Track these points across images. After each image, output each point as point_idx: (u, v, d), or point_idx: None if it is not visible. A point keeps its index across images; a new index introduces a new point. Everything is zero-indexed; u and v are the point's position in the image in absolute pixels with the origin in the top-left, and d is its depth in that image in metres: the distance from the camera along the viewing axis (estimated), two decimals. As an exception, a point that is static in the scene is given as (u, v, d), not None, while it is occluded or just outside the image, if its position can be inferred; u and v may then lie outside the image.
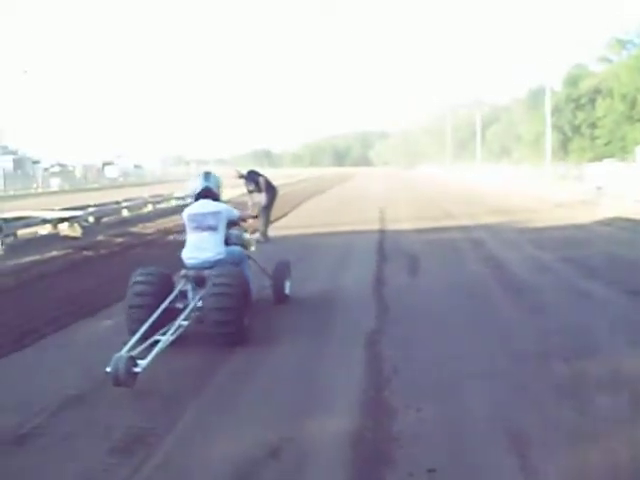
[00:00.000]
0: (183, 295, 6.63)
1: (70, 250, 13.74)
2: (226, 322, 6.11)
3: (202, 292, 6.44)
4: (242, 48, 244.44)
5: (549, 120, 47.09)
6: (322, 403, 5.03)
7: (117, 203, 21.50)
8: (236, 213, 7.46)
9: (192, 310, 6.35)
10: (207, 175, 7.56)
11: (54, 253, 13.41)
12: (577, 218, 18.72)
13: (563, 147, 60.33)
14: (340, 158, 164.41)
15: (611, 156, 46.95)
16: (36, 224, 15.67)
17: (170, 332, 5.85)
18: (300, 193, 36.14)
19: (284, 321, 7.55)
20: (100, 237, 16.03)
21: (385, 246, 13.75)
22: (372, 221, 19.34)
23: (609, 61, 61.09)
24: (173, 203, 25.76)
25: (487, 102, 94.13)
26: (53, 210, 18.35)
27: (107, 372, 5.02)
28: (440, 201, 27.98)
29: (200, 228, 6.97)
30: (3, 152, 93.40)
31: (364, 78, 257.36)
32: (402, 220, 19.39)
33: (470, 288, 9.17)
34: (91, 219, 17.87)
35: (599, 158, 49.72)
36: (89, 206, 19.36)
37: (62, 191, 49.02)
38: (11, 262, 12.35)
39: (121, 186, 57.67)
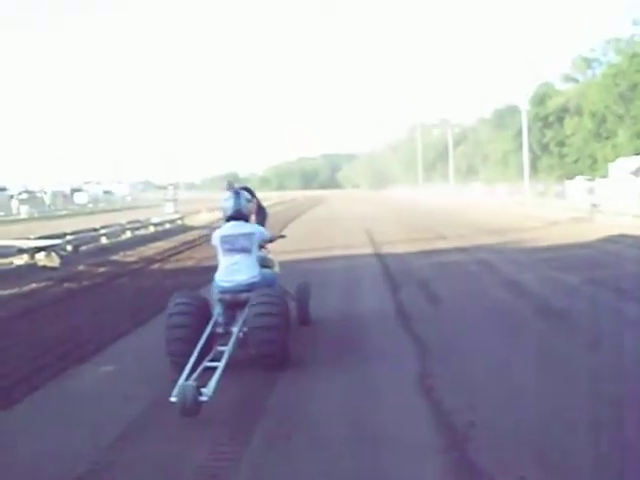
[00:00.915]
0: (220, 319, 6.50)
1: (50, 282, 12.64)
2: (271, 341, 6.03)
3: (242, 315, 6.32)
4: (207, 70, 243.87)
5: (526, 137, 47.18)
6: (404, 465, 4.17)
7: (95, 230, 20.37)
8: (267, 234, 7.25)
9: (235, 334, 6.15)
10: (237, 195, 7.18)
11: (33, 286, 12.31)
12: (578, 236, 18.11)
13: (532, 165, 60.19)
14: (308, 181, 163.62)
15: (580, 174, 47.17)
16: (12, 254, 14.50)
17: (223, 358, 5.62)
18: (277, 217, 35.26)
19: (316, 355, 6.89)
20: (80, 267, 14.91)
21: (390, 271, 12.88)
22: (363, 244, 18.53)
23: (574, 80, 61.64)
24: (151, 229, 24.69)
25: (454, 122, 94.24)
26: (28, 239, 17.23)
27: (173, 402, 4.92)
28: (424, 222, 27.27)
29: (234, 250, 6.74)
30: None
31: (330, 100, 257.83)
32: (394, 242, 18.60)
33: (505, 318, 8.35)
34: (69, 248, 16.72)
35: (568, 176, 50.04)
36: (65, 234, 18.25)
37: (31, 218, 47.41)
38: (-13, 297, 11.24)
39: (91, 212, 56.25)
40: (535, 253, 14.93)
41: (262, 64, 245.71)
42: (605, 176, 38.38)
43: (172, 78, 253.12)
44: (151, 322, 9.00)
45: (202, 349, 5.82)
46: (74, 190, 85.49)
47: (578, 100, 54.24)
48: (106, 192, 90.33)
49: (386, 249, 16.93)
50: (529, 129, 59.83)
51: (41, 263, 15.18)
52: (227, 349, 5.83)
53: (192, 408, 4.86)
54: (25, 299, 11.01)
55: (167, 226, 26.47)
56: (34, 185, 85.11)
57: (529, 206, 33.69)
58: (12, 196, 70.44)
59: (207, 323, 6.30)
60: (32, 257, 14.83)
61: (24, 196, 66.82)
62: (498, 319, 8.28)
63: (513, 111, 73.58)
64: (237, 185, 13.37)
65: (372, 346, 7.21)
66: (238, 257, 6.70)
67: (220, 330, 6.35)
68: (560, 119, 56.94)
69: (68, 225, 30.38)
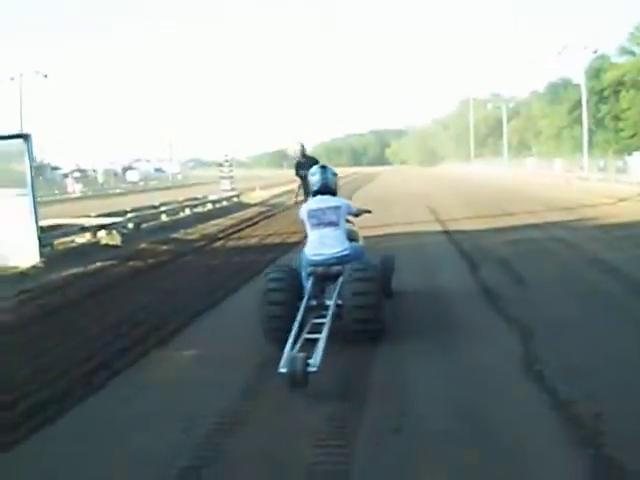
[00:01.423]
0: (312, 292, 6.46)
1: (114, 261, 12.42)
2: (368, 320, 6.02)
3: (335, 288, 6.33)
4: (256, 46, 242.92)
5: (585, 111, 45.43)
6: (538, 465, 3.72)
7: (154, 208, 20.18)
8: (353, 208, 7.27)
9: (332, 307, 6.08)
10: (324, 170, 7.21)
11: (98, 264, 12.11)
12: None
13: (588, 140, 58.39)
14: (357, 157, 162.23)
15: (637, 149, 45.59)
16: (74, 233, 14.34)
17: (325, 330, 5.58)
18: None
19: (410, 330, 6.53)
20: (143, 245, 14.70)
21: (463, 249, 12.30)
22: (428, 221, 17.95)
23: (631, 52, 59.41)
24: (209, 207, 24.45)
25: (505, 97, 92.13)
26: (89, 217, 17.13)
27: (282, 373, 4.89)
28: (485, 198, 26.40)
29: (322, 224, 6.77)
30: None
31: (378, 75, 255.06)
32: (459, 219, 17.95)
33: (605, 301, 7.71)
34: (130, 225, 16.54)
35: (624, 151, 48.42)
36: (126, 212, 18.11)
37: (86, 197, 47.89)
38: (53, 276, 11.05)
39: (144, 190, 56.55)
40: (613, 230, 14.17)
41: (308, 40, 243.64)
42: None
43: (218, 56, 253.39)
44: (225, 302, 8.69)
45: (300, 322, 5.85)
46: (125, 168, 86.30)
47: (635, 73, 52.36)
48: (157, 170, 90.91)
49: (453, 226, 16.32)
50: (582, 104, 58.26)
51: (103, 241, 15.04)
52: (327, 321, 5.78)
53: (302, 379, 4.79)
54: (92, 278, 10.78)
55: (224, 203, 26.21)
56: (86, 164, 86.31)
57: (592, 181, 32.46)
58: (66, 175, 71.41)
59: (299, 296, 6.31)
60: (94, 235, 14.68)
61: (76, 175, 67.63)
62: (597, 302, 7.65)
63: (567, 85, 71.74)
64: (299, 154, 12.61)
65: (465, 326, 6.79)
66: (327, 230, 6.74)
67: (313, 303, 6.34)
68: (616, 93, 55.06)
69: (123, 203, 30.41)
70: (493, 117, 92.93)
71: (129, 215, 17.05)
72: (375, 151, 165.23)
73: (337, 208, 6.83)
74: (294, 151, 11.77)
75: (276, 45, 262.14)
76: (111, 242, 15.12)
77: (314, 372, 4.86)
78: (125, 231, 16.23)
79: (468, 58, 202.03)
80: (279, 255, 12.34)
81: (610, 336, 6.23)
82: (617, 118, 54.66)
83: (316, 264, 6.61)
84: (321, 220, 6.75)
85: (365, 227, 15.83)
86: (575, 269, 9.91)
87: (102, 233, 15.39)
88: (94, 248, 14.05)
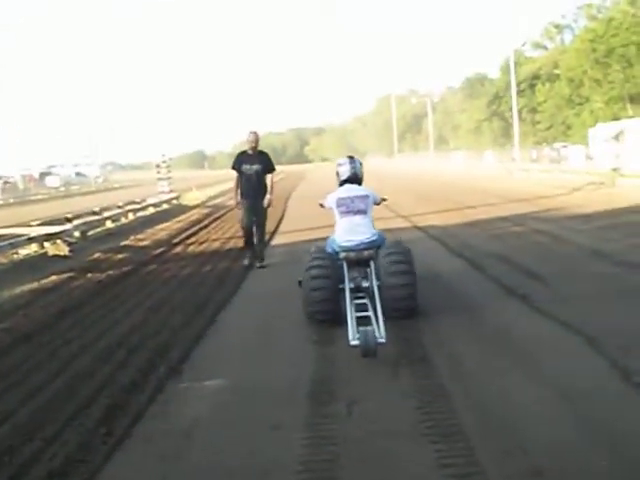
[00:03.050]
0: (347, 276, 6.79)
1: (71, 273, 11.16)
2: (404, 297, 6.53)
3: (371, 270, 6.79)
4: (170, 45, 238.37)
5: (515, 104, 46.05)
6: None
7: (96, 213, 18.81)
8: (378, 197, 7.60)
9: (370, 288, 6.62)
10: (352, 160, 7.67)
11: (53, 278, 10.84)
12: (615, 202, 16.99)
13: (505, 133, 59.73)
14: (277, 155, 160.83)
15: (553, 140, 46.81)
16: (21, 244, 12.95)
17: (378, 307, 6.10)
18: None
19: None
20: (96, 254, 13.41)
21: (450, 246, 11.65)
22: (390, 217, 17.11)
23: (544, 47, 60.93)
24: (151, 210, 23.12)
25: (421, 92, 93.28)
26: (30, 226, 15.72)
27: (354, 345, 5.40)
28: (434, 193, 26.09)
29: (351, 212, 7.17)
30: None
31: (295, 73, 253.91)
32: (422, 214, 17.35)
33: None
34: (77, 234, 15.20)
35: (541, 142, 49.60)
36: (69, 219, 16.72)
37: (7, 204, 45.34)
38: (6, 294, 9.77)
39: (67, 195, 54.13)
40: (590, 221, 13.79)
41: (225, 38, 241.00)
42: (583, 142, 37.89)
43: (132, 54, 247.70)
44: (222, 317, 7.71)
45: (348, 305, 6.24)
46: (43, 173, 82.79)
47: (550, 67, 53.66)
48: (78, 174, 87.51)
49: (421, 222, 15.68)
50: (501, 97, 59.47)
51: (50, 252, 13.70)
52: (376, 299, 6.28)
53: (373, 349, 5.26)
54: (52, 295, 9.55)
55: (165, 206, 24.88)
56: (2, 170, 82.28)
57: (533, 172, 32.51)
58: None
59: (339, 280, 6.70)
60: (42, 246, 13.33)
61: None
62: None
63: (483, 79, 73.18)
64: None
65: (526, 337, 5.97)
66: (357, 218, 7.13)
67: (351, 285, 6.67)
68: (532, 86, 56.26)
69: (49, 209, 28.76)
70: (410, 113, 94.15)
71: (75, 222, 15.64)
72: (295, 149, 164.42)
73: (365, 197, 7.27)
74: (248, 140, 10.61)
75: (195, 43, 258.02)
76: (59, 252, 13.79)
77: (383, 343, 5.38)
78: (71, 240, 14.92)
79: (383, 56, 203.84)
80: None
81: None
82: (534, 110, 55.90)
83: (348, 249, 6.97)
84: (350, 208, 7.16)
85: (312, 229, 15.07)
86: (583, 263, 9.34)
87: (47, 243, 14.07)
88: (42, 260, 12.72)
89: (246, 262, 10.86)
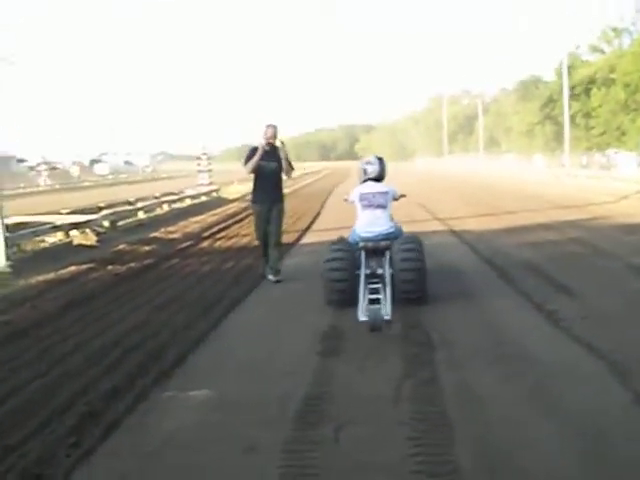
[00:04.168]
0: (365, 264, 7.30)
1: (91, 264, 10.96)
2: (417, 289, 7.24)
3: (386, 259, 7.29)
4: (224, 41, 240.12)
5: (567, 108, 44.82)
6: None
7: (130, 204, 18.69)
8: (397, 193, 8.18)
9: (384, 275, 7.08)
10: (381, 162, 8.26)
11: (72, 269, 10.65)
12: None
13: (558, 137, 58.05)
14: (326, 152, 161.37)
15: (607, 146, 45.25)
16: (45, 232, 12.83)
17: (387, 290, 6.76)
18: (312, 188, 33.51)
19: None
20: (121, 246, 13.23)
21: (481, 253, 11.12)
22: (426, 219, 16.71)
23: (601, 51, 59.09)
24: (188, 202, 22.96)
25: (475, 93, 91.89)
26: (60, 214, 15.64)
27: (362, 320, 6.16)
28: (478, 196, 25.36)
29: (372, 206, 7.80)
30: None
31: (347, 70, 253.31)
32: (460, 218, 16.80)
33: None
34: (106, 223, 15.07)
35: (593, 148, 48.04)
36: (100, 208, 16.63)
37: (53, 190, 45.96)
38: (22, 283, 9.61)
39: (114, 184, 54.70)
40: (633, 232, 13.04)
41: (278, 32, 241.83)
42: (638, 149, 36.57)
43: (188, 47, 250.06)
44: (228, 320, 7.35)
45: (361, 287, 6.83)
46: (93, 161, 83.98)
47: (606, 71, 51.99)
48: (127, 163, 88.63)
49: (457, 226, 15.14)
50: (555, 101, 57.85)
51: (76, 241, 13.59)
52: (387, 282, 6.90)
53: (379, 325, 6.04)
54: (65, 287, 9.34)
55: (203, 198, 24.74)
56: (53, 156, 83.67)
57: (581, 178, 31.50)
58: (32, 167, 69.09)
59: (355, 267, 7.25)
60: (67, 235, 13.20)
61: (43, 167, 65.35)
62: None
63: (537, 82, 71.49)
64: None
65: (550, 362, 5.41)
66: (377, 212, 7.77)
67: (367, 272, 7.12)
68: (587, 90, 54.58)
69: (94, 196, 28.85)
70: (462, 114, 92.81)
71: (104, 212, 15.51)
72: (344, 146, 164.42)
73: (385, 193, 7.91)
74: (266, 136, 9.23)
75: (248, 39, 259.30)
76: (85, 242, 13.67)
77: (389, 320, 6.16)
78: (100, 230, 14.80)
79: (436, 55, 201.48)
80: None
81: None
82: (588, 115, 54.28)
83: (367, 240, 7.51)
84: (371, 202, 7.79)
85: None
86: (620, 278, 8.72)
87: (75, 232, 13.96)
88: (67, 249, 12.59)
89: (263, 272, 9.63)
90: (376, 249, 7.41)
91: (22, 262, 11.07)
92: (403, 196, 8.44)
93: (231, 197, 27.47)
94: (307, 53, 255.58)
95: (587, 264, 9.88)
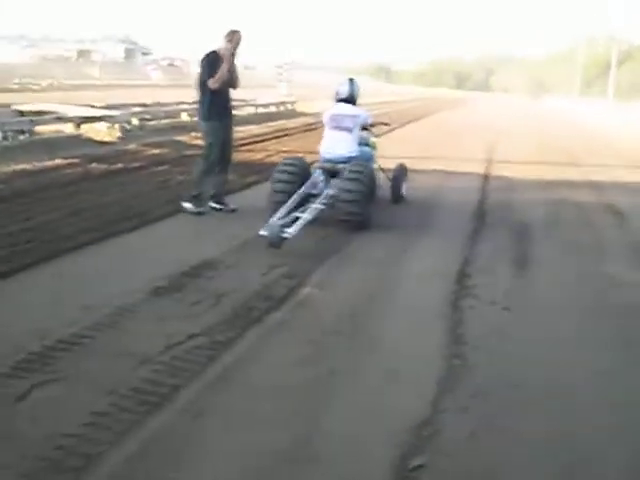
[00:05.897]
0: (318, 183, 7.54)
1: (76, 160, 10.67)
2: (353, 213, 7.15)
3: (335, 182, 7.35)
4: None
5: None
6: None
7: (177, 104, 18.34)
8: (370, 120, 8.20)
9: (326, 197, 7.25)
10: (352, 82, 8.07)
11: (56, 162, 10.41)
12: None
13: None
14: (461, 81, 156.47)
15: None
16: (45, 122, 12.66)
17: (308, 212, 6.79)
18: (402, 114, 32.04)
19: None
20: (133, 145, 12.89)
21: (485, 203, 9.94)
22: (468, 159, 15.28)
23: None
24: (249, 110, 22.28)
25: (621, 40, 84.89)
26: (94, 107, 15.46)
27: (261, 235, 6.19)
28: (566, 142, 23.25)
29: (338, 128, 7.74)
30: (116, 40, 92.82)
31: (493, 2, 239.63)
32: (514, 163, 15.08)
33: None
34: (135, 122, 14.76)
35: None
36: (145, 105, 16.34)
37: (157, 85, 46.47)
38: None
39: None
40: None
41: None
42: None
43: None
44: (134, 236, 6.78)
45: (298, 202, 7.01)
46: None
47: None
48: (247, 68, 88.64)
49: (500, 171, 13.70)
50: None
51: (97, 137, 13.36)
52: (316, 205, 7.02)
53: (276, 241, 6.08)
54: (25, 179, 9.08)
55: (272, 109, 24.00)
56: (181, 54, 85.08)
57: None
58: (153, 61, 70.44)
59: (304, 183, 7.35)
60: (78, 127, 12.98)
61: (160, 63, 66.56)
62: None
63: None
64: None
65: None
66: (342, 134, 7.72)
67: (316, 191, 7.36)
68: None
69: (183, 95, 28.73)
70: (604, 59, 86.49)
71: (134, 109, 15.18)
72: (479, 76, 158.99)
73: (355, 117, 7.81)
74: (229, 40, 7.79)
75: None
76: (106, 138, 13.44)
77: (286, 238, 6.14)
78: (128, 127, 14.52)
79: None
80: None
81: None
82: None
83: (326, 160, 7.68)
84: (339, 124, 7.73)
85: (395, 157, 13.61)
86: (616, 261, 7.45)
87: (102, 126, 13.76)
88: (69, 142, 12.36)
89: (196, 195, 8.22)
90: (333, 171, 7.53)
91: (10, 150, 10.92)
92: (385, 124, 8.74)
93: (308, 111, 26.61)
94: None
95: (589, 235, 8.50)
